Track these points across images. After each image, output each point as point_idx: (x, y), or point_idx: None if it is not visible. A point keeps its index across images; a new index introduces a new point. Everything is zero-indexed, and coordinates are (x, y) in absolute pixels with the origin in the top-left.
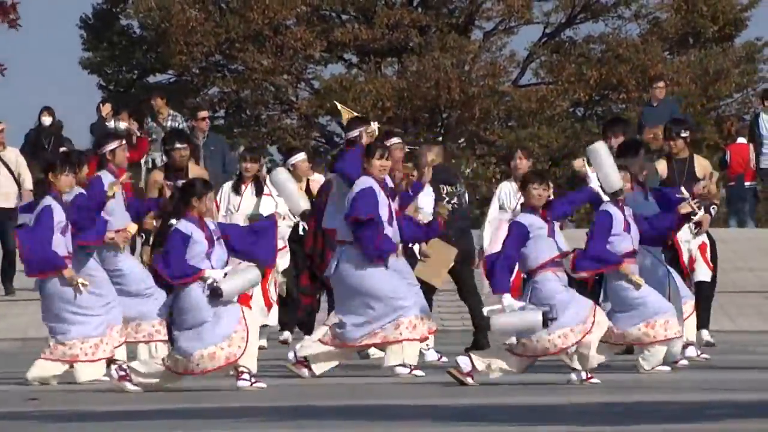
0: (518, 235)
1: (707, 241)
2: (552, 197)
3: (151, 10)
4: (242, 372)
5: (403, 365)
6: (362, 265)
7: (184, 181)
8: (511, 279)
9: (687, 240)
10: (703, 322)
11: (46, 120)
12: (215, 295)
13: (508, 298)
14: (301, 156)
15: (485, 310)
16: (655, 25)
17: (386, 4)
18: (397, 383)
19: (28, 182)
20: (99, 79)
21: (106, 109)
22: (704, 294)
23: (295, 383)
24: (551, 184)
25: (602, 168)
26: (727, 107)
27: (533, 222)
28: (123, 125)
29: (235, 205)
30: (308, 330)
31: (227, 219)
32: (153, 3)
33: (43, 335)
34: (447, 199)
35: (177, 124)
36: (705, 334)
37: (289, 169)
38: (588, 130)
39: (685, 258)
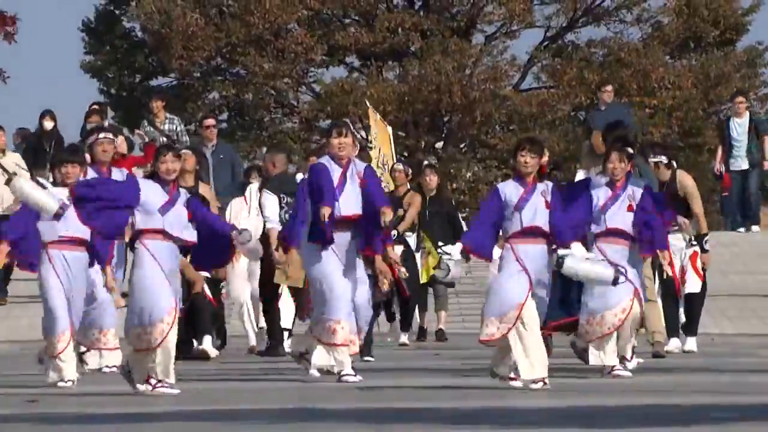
0: (490, 203)
1: (698, 250)
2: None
3: (151, 13)
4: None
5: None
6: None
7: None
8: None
9: (681, 248)
10: (692, 331)
11: (48, 124)
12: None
13: (577, 247)
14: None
15: (560, 252)
16: (656, 30)
17: (387, 8)
18: (399, 387)
19: None
20: (100, 84)
21: (95, 119)
22: (694, 303)
23: (299, 386)
24: (546, 153)
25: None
26: (729, 111)
27: (511, 192)
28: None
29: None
30: None
31: (258, 219)
32: (153, 7)
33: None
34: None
35: (174, 127)
36: (692, 343)
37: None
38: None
39: (677, 267)
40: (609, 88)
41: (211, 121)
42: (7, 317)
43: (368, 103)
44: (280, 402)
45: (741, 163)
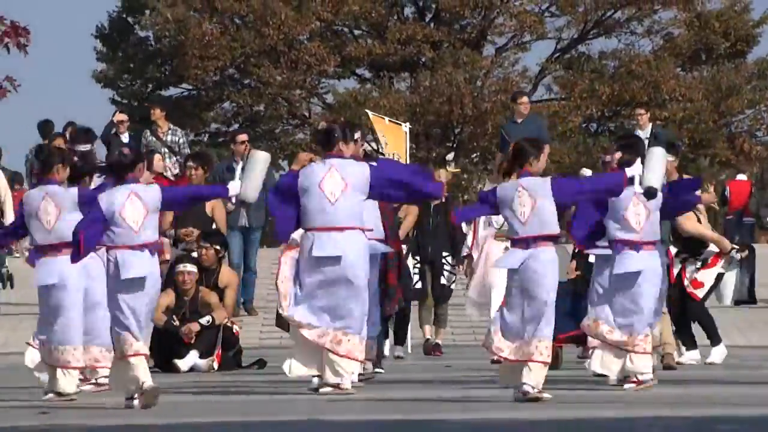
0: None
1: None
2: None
3: (167, 22)
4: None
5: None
6: None
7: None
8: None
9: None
10: (714, 341)
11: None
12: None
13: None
14: None
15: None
16: (667, 41)
17: (398, 20)
18: (409, 399)
19: (9, 213)
20: (112, 93)
21: (119, 117)
22: (700, 316)
23: (304, 398)
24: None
25: (651, 165)
26: (740, 123)
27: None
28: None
29: None
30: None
31: None
32: (169, 16)
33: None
34: None
35: (177, 139)
36: (716, 354)
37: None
38: (601, 146)
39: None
40: (524, 99)
41: (244, 137)
42: (19, 328)
43: (369, 113)
44: (290, 414)
45: None
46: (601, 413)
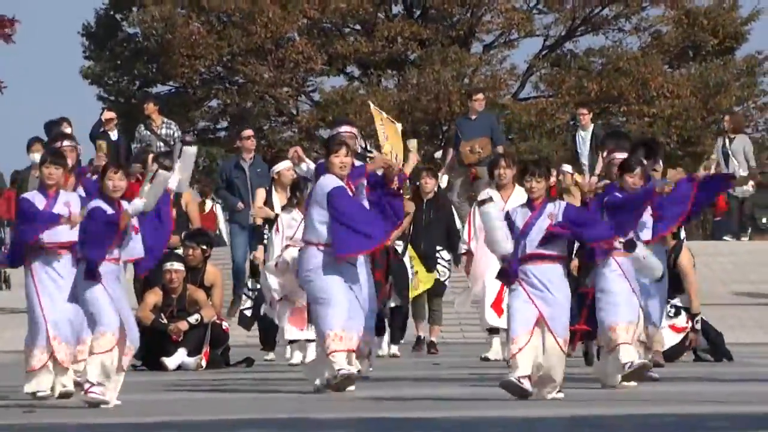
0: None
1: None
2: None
3: (154, 20)
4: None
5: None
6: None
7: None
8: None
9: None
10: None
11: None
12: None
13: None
14: (285, 164)
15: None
16: (655, 38)
17: (386, 17)
18: (398, 397)
19: None
20: (99, 90)
21: (107, 115)
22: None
23: (294, 396)
24: (552, 172)
25: None
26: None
27: (518, 217)
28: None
29: None
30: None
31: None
32: (157, 14)
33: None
34: None
35: (171, 132)
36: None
37: (273, 178)
38: None
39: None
40: (480, 96)
41: (249, 132)
42: (7, 328)
43: (371, 104)
44: (278, 412)
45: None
46: (590, 411)
